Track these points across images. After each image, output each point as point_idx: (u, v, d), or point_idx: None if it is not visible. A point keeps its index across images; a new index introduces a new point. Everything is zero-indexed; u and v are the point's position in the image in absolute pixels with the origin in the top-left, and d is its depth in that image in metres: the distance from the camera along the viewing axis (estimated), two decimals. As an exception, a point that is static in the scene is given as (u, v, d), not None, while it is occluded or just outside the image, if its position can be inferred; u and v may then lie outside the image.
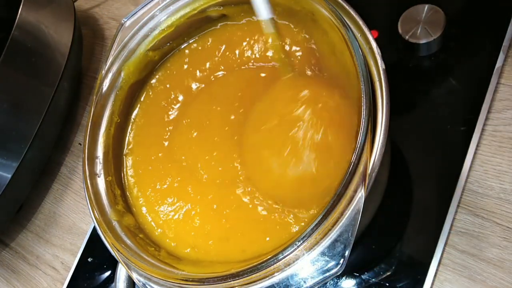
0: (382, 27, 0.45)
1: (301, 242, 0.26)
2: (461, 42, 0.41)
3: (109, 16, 0.67)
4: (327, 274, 0.25)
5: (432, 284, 0.35)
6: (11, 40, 0.48)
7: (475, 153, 0.37)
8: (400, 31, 0.41)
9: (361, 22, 0.30)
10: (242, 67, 0.40)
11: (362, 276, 0.38)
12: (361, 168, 0.25)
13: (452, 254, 0.36)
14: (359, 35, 0.30)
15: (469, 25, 0.41)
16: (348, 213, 0.25)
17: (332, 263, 0.25)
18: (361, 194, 0.25)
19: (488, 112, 0.38)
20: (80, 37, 0.61)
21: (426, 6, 0.41)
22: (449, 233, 0.36)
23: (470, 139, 0.37)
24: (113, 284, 0.36)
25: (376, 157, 0.26)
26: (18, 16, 0.49)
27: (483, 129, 0.38)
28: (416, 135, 0.40)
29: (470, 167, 0.37)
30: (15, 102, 0.50)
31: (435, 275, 0.35)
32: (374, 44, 0.29)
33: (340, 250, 0.25)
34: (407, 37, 0.41)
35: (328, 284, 0.39)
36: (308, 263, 0.25)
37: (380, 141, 0.27)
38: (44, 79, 0.53)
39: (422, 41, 0.40)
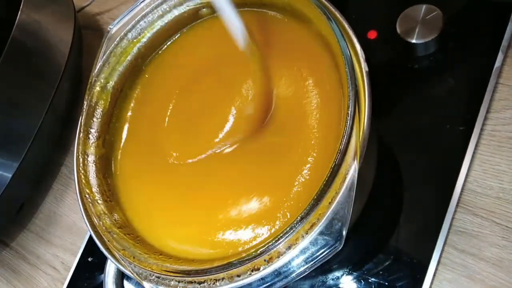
0: (380, 27, 0.45)
1: (299, 224, 0.26)
2: (459, 42, 0.41)
3: (109, 16, 0.67)
4: (328, 252, 0.26)
5: (431, 283, 0.35)
6: (11, 40, 0.48)
7: (474, 152, 0.37)
8: (398, 31, 0.41)
9: (346, 25, 0.31)
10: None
11: (361, 275, 0.38)
12: (351, 145, 0.27)
13: (451, 253, 0.36)
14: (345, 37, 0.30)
15: (468, 24, 0.41)
16: (342, 189, 0.26)
17: (332, 241, 0.26)
18: (354, 167, 0.26)
19: (487, 112, 0.38)
20: (80, 37, 0.61)
21: (424, 6, 0.41)
22: (448, 232, 0.36)
23: (469, 139, 0.37)
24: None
25: (365, 133, 0.27)
26: (18, 16, 0.49)
27: (482, 129, 0.38)
28: (415, 135, 0.41)
29: (469, 166, 0.37)
30: (15, 102, 0.50)
31: (434, 275, 0.35)
32: (358, 47, 0.30)
33: (338, 228, 0.26)
34: (405, 37, 0.41)
35: (328, 282, 0.39)
36: (307, 244, 0.26)
37: (366, 119, 0.28)
38: (44, 79, 0.53)
39: (420, 41, 0.40)
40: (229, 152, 0.36)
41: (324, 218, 0.26)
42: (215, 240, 0.33)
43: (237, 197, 0.33)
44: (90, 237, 0.51)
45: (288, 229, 0.26)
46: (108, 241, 0.33)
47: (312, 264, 0.26)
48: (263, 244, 0.27)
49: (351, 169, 0.26)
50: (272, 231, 0.31)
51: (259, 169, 0.34)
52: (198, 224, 0.34)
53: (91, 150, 0.38)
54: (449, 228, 0.36)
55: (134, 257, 0.31)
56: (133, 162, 0.39)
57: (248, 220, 0.32)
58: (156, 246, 0.34)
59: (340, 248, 0.25)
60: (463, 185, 0.37)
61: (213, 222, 0.33)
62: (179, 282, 0.29)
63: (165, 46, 0.43)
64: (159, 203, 0.37)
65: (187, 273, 0.29)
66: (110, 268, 0.37)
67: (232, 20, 0.32)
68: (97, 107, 0.39)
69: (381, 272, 0.37)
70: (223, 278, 0.28)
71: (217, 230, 0.33)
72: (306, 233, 0.26)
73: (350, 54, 0.29)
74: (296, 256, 0.26)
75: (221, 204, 0.34)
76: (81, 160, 0.37)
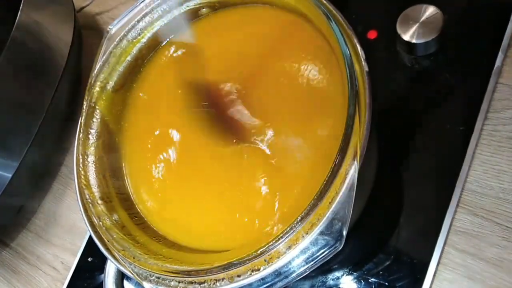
0: (380, 27, 0.45)
1: (300, 224, 0.26)
2: (459, 42, 0.41)
3: (109, 16, 0.67)
4: (328, 252, 0.26)
5: (432, 283, 0.35)
6: (11, 40, 0.48)
7: (474, 152, 0.37)
8: (398, 31, 0.41)
9: (346, 25, 0.31)
10: None
11: (361, 275, 0.38)
12: (351, 145, 0.27)
13: (452, 253, 0.36)
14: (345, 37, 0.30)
15: (468, 24, 0.41)
16: (342, 189, 0.26)
17: (332, 241, 0.26)
18: (354, 167, 0.26)
19: (487, 112, 0.38)
20: (80, 37, 0.61)
21: (424, 6, 0.41)
22: (448, 232, 0.36)
23: (469, 139, 0.37)
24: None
25: (365, 133, 0.27)
26: (18, 16, 0.49)
27: (482, 129, 0.38)
28: (415, 135, 0.41)
29: (469, 166, 0.37)
30: (15, 102, 0.50)
31: (434, 275, 0.35)
32: (358, 47, 0.30)
33: (338, 228, 0.26)
34: (405, 37, 0.41)
35: (328, 282, 0.39)
36: (308, 244, 0.26)
37: (366, 119, 0.28)
38: (44, 79, 0.53)
39: (421, 41, 0.40)
40: (238, 149, 0.36)
41: (324, 218, 0.26)
42: (226, 230, 0.33)
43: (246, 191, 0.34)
44: (90, 237, 0.51)
45: (288, 229, 0.26)
46: (108, 241, 0.33)
47: (312, 264, 0.26)
48: (263, 244, 0.27)
49: (351, 169, 0.26)
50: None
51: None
52: (209, 216, 0.35)
53: (91, 150, 0.38)
54: (449, 228, 0.36)
55: (134, 258, 0.31)
56: (135, 161, 0.40)
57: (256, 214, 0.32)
58: (171, 239, 0.35)
59: (340, 248, 0.26)
60: (463, 185, 0.37)
61: (227, 213, 0.34)
62: (179, 282, 0.29)
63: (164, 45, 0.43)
64: (165, 198, 0.37)
65: (187, 273, 0.29)
66: (110, 269, 0.37)
67: None
68: (97, 107, 0.39)
69: (381, 272, 0.37)
70: (223, 278, 0.28)
71: (227, 222, 0.34)
72: (306, 233, 0.26)
73: (350, 54, 0.29)
74: (296, 256, 0.26)
75: (229, 197, 0.34)
76: (81, 160, 0.37)
